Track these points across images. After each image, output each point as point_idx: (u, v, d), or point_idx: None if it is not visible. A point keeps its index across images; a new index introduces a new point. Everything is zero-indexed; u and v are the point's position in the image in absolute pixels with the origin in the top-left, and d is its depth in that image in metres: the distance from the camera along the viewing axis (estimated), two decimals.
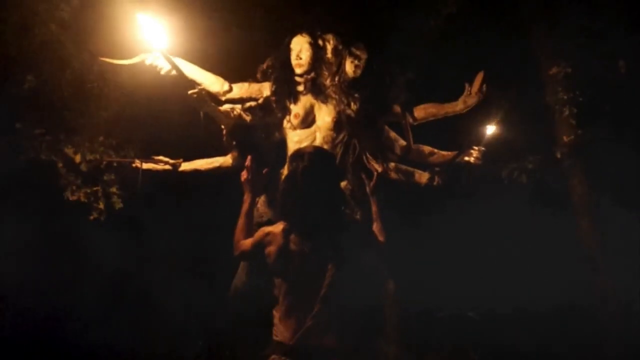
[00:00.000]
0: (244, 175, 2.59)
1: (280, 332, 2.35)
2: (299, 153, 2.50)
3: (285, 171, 2.85)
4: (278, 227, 2.44)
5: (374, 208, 2.72)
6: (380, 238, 2.64)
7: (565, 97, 4.62)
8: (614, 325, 4.39)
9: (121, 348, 4.08)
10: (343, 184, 3.30)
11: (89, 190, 4.11)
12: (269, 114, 3.38)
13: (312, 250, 2.37)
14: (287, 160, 2.60)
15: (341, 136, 3.38)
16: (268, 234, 2.45)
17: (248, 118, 3.34)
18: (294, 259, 2.38)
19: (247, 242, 2.49)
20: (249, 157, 2.60)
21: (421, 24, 4.35)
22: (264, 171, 2.60)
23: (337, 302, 2.34)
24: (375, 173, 2.82)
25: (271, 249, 2.41)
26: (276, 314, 2.40)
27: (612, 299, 4.46)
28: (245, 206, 2.57)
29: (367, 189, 2.78)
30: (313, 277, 2.34)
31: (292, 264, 2.37)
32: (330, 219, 2.40)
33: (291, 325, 2.34)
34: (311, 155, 2.45)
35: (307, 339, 2.30)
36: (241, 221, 2.57)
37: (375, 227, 2.65)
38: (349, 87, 3.42)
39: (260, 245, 2.44)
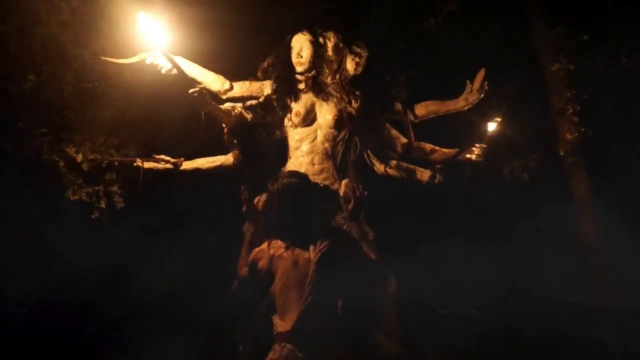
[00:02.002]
0: (244, 207, 2.92)
1: (281, 325, 2.55)
2: (275, 178, 2.84)
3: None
4: (265, 244, 2.76)
5: (355, 234, 2.91)
6: (372, 256, 2.85)
7: (568, 94, 4.59)
8: (616, 323, 4.38)
9: (118, 350, 4.09)
10: (344, 182, 3.30)
11: (90, 190, 4.11)
12: (270, 113, 3.38)
13: (297, 252, 2.67)
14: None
15: (342, 134, 3.38)
16: (258, 252, 2.75)
17: (249, 117, 3.34)
18: (282, 262, 2.64)
19: (244, 269, 2.79)
20: (242, 189, 2.89)
21: (422, 22, 4.34)
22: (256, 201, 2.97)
23: (327, 287, 2.51)
24: (352, 200, 2.88)
25: (262, 263, 2.69)
26: (275, 318, 2.61)
27: (613, 297, 4.45)
28: (247, 237, 2.97)
29: (346, 215, 2.97)
30: (301, 274, 2.59)
31: (280, 267, 2.63)
32: (309, 229, 2.73)
33: (289, 317, 2.52)
34: (285, 179, 2.80)
35: (303, 323, 2.49)
36: (243, 252, 2.92)
37: (365, 247, 2.87)
38: (349, 85, 3.41)
39: (253, 263, 2.73)
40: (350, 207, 2.90)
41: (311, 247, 2.66)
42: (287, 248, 2.68)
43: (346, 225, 3.11)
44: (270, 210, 2.78)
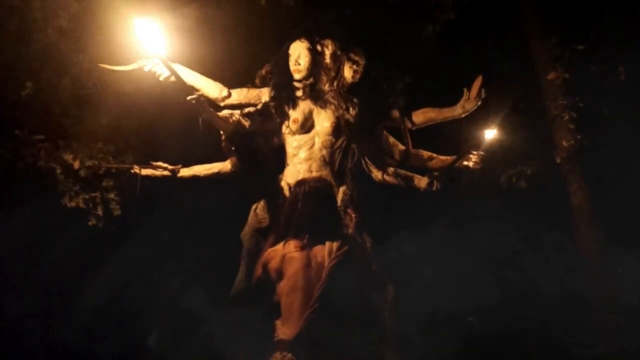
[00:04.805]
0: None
1: (283, 332, 2.54)
2: (300, 182, 2.97)
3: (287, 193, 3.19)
4: (280, 244, 2.79)
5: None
6: (373, 267, 3.03)
7: (565, 102, 4.61)
8: (614, 330, 4.37)
9: (117, 355, 4.07)
10: (342, 188, 3.30)
11: (87, 197, 4.09)
12: (268, 120, 3.39)
13: (311, 254, 2.68)
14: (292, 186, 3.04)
15: (340, 141, 3.39)
16: (270, 252, 2.79)
17: (247, 124, 3.34)
18: (294, 263, 2.64)
19: (259, 269, 2.83)
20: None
21: (419, 29, 4.36)
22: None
23: (335, 297, 2.50)
24: (354, 216, 3.10)
25: (274, 262, 2.71)
26: (277, 322, 2.61)
27: (611, 303, 4.45)
28: (245, 245, 3.25)
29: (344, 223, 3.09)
30: (311, 277, 2.60)
31: (291, 267, 2.64)
32: (326, 232, 2.76)
33: (292, 323, 2.52)
34: (312, 182, 2.93)
35: (306, 332, 2.48)
36: (243, 262, 3.22)
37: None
38: (347, 92, 3.43)
39: (265, 263, 2.76)
40: (351, 225, 3.05)
41: (326, 252, 2.66)
42: (301, 249, 2.70)
43: (345, 232, 3.12)
44: (292, 212, 2.82)
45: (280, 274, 2.68)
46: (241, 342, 3.02)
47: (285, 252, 2.71)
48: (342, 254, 2.65)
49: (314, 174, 3.28)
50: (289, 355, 2.45)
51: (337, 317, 2.54)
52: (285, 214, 2.88)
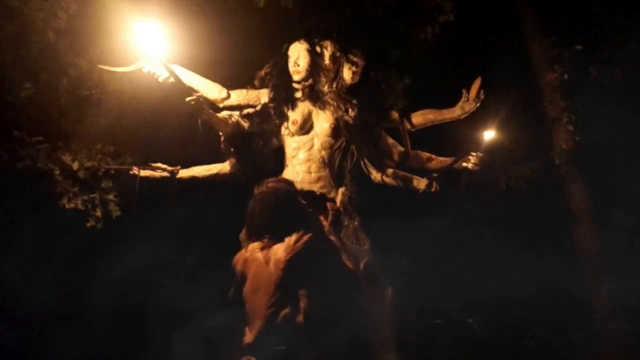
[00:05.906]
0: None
1: (248, 335, 2.52)
2: (260, 182, 2.90)
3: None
4: (243, 249, 2.77)
5: (337, 243, 2.90)
6: (350, 265, 2.81)
7: (563, 103, 4.63)
8: (612, 332, 4.38)
9: (116, 355, 4.07)
10: (341, 190, 3.30)
11: (86, 198, 4.08)
12: (267, 121, 3.39)
13: (270, 252, 2.64)
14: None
15: (339, 142, 3.39)
16: (237, 256, 2.77)
17: (246, 125, 3.34)
18: (254, 263, 2.63)
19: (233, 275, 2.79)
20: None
21: (419, 31, 4.37)
22: None
23: (296, 290, 2.51)
24: (331, 212, 3.03)
25: (239, 266, 2.69)
26: (247, 328, 2.58)
27: (610, 304, 4.46)
28: (244, 245, 2.97)
29: (325, 228, 2.95)
30: (270, 274, 2.56)
31: (252, 268, 2.62)
32: (288, 232, 2.68)
33: (254, 325, 2.49)
34: (270, 183, 2.86)
35: (267, 332, 2.43)
36: None
37: (345, 256, 2.85)
38: (346, 94, 3.43)
39: (233, 268, 2.74)
40: (328, 218, 3.00)
41: (284, 247, 2.61)
42: (262, 249, 2.66)
43: (342, 234, 3.11)
44: (252, 213, 2.79)
45: (244, 277, 2.63)
46: (239, 342, 3.01)
47: (248, 255, 2.68)
48: (302, 244, 2.57)
49: (313, 175, 3.28)
50: (252, 359, 2.41)
51: (306, 316, 2.48)
52: (247, 216, 2.85)
